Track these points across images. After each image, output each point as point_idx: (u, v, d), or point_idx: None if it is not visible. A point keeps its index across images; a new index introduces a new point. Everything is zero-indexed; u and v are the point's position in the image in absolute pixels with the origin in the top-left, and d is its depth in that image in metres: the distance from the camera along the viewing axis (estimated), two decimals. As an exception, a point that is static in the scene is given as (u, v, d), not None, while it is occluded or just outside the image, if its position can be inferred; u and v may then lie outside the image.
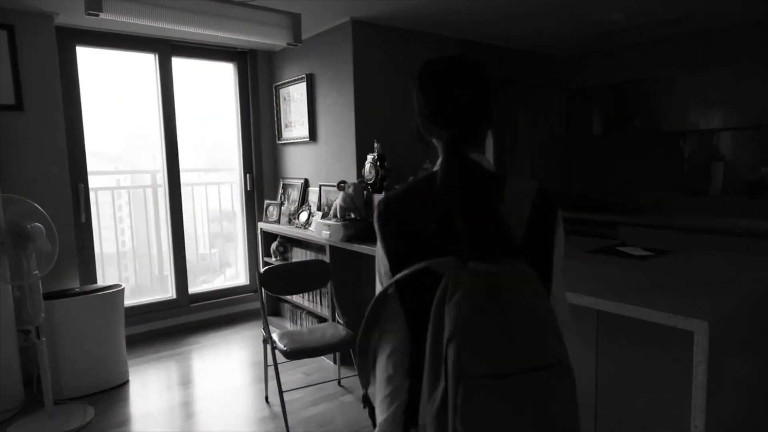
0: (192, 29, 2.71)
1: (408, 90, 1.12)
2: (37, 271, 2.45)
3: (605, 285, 1.73)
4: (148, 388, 2.96)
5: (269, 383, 2.85)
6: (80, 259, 3.43)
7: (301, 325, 3.61)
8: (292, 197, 3.96)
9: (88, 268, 3.49)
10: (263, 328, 2.61)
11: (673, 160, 3.90)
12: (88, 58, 3.50)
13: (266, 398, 2.77)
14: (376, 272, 1.06)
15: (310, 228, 3.43)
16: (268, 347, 2.55)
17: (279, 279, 2.72)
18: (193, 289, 4.01)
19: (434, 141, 1.05)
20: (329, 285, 2.88)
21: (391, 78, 3.38)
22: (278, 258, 3.84)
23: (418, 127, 1.06)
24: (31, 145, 2.94)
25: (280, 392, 2.46)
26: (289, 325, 3.78)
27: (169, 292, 3.92)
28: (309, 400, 2.75)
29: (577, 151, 4.52)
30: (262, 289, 2.66)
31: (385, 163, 2.99)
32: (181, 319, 3.89)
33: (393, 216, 0.98)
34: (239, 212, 4.28)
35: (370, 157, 3.04)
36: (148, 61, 3.73)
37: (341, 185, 3.06)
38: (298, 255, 3.68)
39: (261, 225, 4.01)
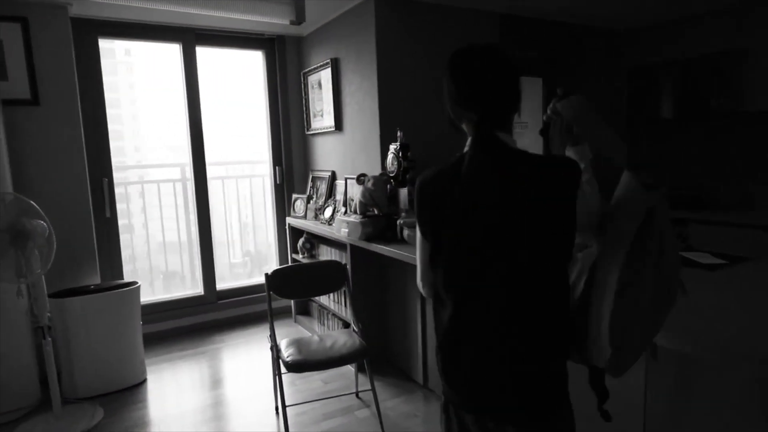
0: (186, 9, 2.54)
1: (439, 73, 1.18)
2: (39, 270, 2.38)
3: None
4: (163, 390, 2.85)
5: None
6: (105, 255, 3.39)
7: (329, 327, 3.40)
8: (320, 191, 3.74)
9: (113, 263, 3.45)
10: (269, 336, 2.40)
11: (757, 146, 3.31)
12: (125, 51, 3.44)
13: (276, 409, 2.57)
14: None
15: (334, 224, 3.20)
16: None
17: (289, 281, 2.50)
18: (222, 285, 3.91)
19: (464, 126, 1.14)
20: (346, 289, 2.62)
21: (420, 60, 3.06)
22: (305, 255, 3.64)
23: (450, 114, 1.15)
24: (47, 140, 2.89)
25: (284, 406, 2.25)
26: (317, 327, 3.58)
27: (199, 288, 3.84)
28: (322, 413, 2.52)
29: (640, 137, 3.98)
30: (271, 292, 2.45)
31: (408, 154, 2.68)
32: (209, 316, 3.79)
33: (426, 194, 1.14)
34: (269, 206, 4.12)
35: (392, 148, 2.75)
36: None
37: (361, 179, 2.80)
38: (325, 253, 3.46)
39: (288, 220, 3.83)
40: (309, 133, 3.87)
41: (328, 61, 3.38)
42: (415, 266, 1.27)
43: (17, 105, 2.79)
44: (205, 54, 3.72)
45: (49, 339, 2.44)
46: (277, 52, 3.88)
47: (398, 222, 2.46)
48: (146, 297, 3.71)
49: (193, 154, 3.67)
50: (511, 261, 1.04)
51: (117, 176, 3.50)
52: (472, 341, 1.09)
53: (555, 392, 1.08)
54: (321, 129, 3.65)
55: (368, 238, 2.66)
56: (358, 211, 2.78)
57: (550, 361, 1.07)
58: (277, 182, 4.04)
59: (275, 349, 2.32)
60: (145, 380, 2.97)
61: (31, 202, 2.24)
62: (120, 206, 3.60)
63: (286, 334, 3.58)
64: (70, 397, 2.74)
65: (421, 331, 2.70)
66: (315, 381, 2.87)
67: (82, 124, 3.05)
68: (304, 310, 3.91)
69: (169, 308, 3.65)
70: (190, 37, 3.57)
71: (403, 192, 2.70)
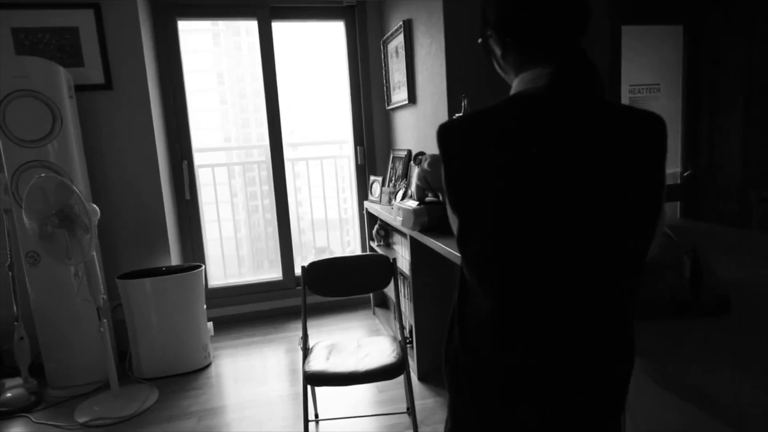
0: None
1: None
2: (87, 253, 2.40)
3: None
4: (221, 379, 2.78)
5: (319, 398, 2.40)
6: (186, 237, 3.45)
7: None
8: (398, 172, 3.36)
9: (193, 245, 3.49)
10: (301, 337, 2.13)
11: None
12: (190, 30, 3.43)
13: (315, 416, 2.31)
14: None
15: (393, 210, 2.81)
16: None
17: (325, 276, 2.20)
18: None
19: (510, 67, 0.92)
20: (393, 288, 2.24)
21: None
22: (380, 243, 3.32)
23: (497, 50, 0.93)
24: (120, 124, 2.95)
25: (307, 420, 1.96)
26: (392, 323, 3.27)
27: (278, 273, 3.76)
28: (359, 430, 2.20)
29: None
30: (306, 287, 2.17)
31: (472, 127, 2.17)
32: (287, 302, 3.69)
33: (457, 143, 0.85)
34: (354, 189, 3.87)
35: (455, 120, 2.26)
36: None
37: (418, 158, 2.36)
38: (398, 243, 3.09)
39: (366, 204, 3.53)
40: (389, 107, 3.50)
41: (401, 24, 2.95)
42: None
43: (91, 90, 2.87)
44: (283, 29, 3.55)
45: (104, 320, 2.48)
46: (357, 20, 3.56)
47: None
48: (226, 280, 3.74)
49: (270, 134, 3.54)
50: (595, 247, 0.78)
51: (203, 158, 3.52)
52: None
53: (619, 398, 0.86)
54: (398, 102, 3.26)
55: (423, 229, 2.24)
56: (414, 196, 2.37)
57: (616, 364, 0.85)
58: (359, 163, 3.76)
59: (304, 354, 2.05)
60: (208, 365, 2.94)
61: (74, 188, 2.24)
62: (206, 189, 3.65)
63: (362, 329, 3.33)
64: (136, 376, 2.81)
65: (486, 344, 2.21)
66: (369, 389, 2.55)
67: (157, 106, 3.08)
68: (382, 302, 3.62)
69: (247, 292, 3.63)
70: (264, 12, 3.41)
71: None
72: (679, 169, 3.26)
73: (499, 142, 0.80)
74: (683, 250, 1.12)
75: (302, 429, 1.99)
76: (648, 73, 2.98)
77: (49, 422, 2.41)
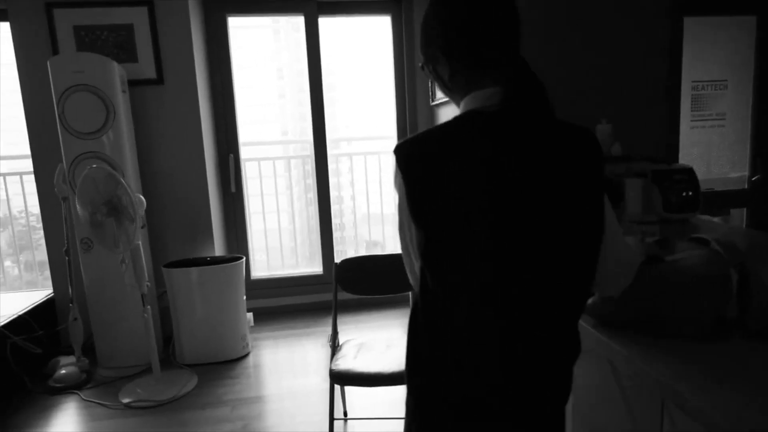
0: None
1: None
2: (139, 241, 2.50)
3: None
4: (256, 369, 2.84)
5: (350, 396, 2.39)
6: (231, 229, 3.54)
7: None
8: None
9: (237, 237, 3.58)
10: (330, 335, 2.12)
11: None
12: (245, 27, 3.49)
13: (344, 414, 2.31)
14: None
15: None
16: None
17: (360, 273, 2.18)
18: (342, 265, 3.79)
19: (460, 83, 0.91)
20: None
21: (536, 12, 2.37)
22: (420, 241, 3.27)
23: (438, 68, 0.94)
24: (170, 118, 3.06)
25: (331, 419, 1.96)
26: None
27: (318, 267, 3.79)
28: (387, 430, 2.18)
29: None
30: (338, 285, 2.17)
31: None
32: (328, 296, 3.71)
33: (418, 164, 0.84)
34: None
35: (495, 117, 2.17)
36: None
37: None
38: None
39: (407, 201, 3.49)
40: (433, 104, 3.43)
41: (446, 17, 2.88)
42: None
43: (144, 84, 2.99)
44: (330, 24, 3.56)
45: (148, 307, 2.58)
46: (404, 14, 3.51)
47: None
48: (269, 272, 3.81)
49: (315, 129, 3.56)
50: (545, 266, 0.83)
51: (252, 152, 3.60)
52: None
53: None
54: (441, 99, 3.19)
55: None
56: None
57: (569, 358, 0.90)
58: (402, 159, 3.72)
59: (332, 351, 2.05)
60: (246, 355, 3.01)
61: (121, 179, 2.34)
62: (253, 182, 3.73)
63: (400, 327, 3.30)
64: (178, 362, 2.91)
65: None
66: (404, 390, 2.52)
67: (206, 101, 3.16)
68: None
69: (288, 285, 3.68)
70: (312, 7, 3.43)
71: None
72: (746, 173, 3.00)
73: (463, 160, 0.82)
74: (730, 264, 1.02)
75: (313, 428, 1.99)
76: (714, 68, 2.76)
77: (95, 400, 2.54)
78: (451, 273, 0.84)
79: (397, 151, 0.87)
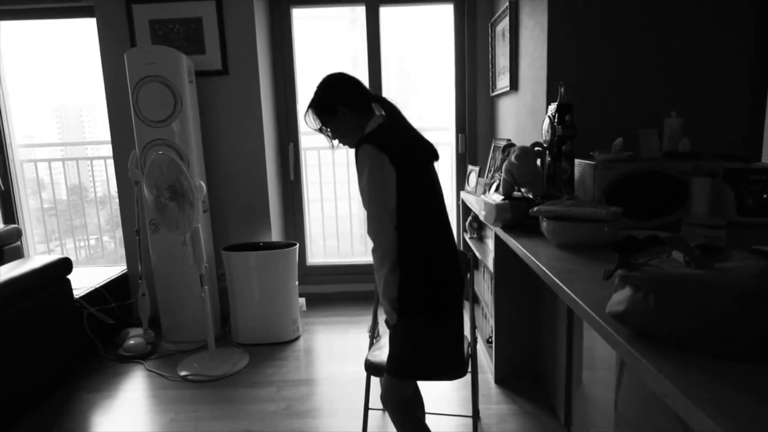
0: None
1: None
2: (199, 225, 2.64)
3: None
4: (304, 352, 2.92)
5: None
6: (289, 216, 3.65)
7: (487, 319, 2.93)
8: (497, 163, 3.19)
9: (294, 223, 3.68)
10: (370, 326, 2.14)
11: None
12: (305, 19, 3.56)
13: (365, 410, 2.31)
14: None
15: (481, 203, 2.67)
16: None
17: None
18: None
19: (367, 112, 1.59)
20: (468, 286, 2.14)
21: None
22: (473, 235, 3.20)
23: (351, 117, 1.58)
24: (233, 107, 3.19)
25: (366, 408, 1.98)
26: (480, 318, 3.15)
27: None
28: (426, 423, 2.16)
29: None
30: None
31: (567, 118, 1.96)
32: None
33: (395, 146, 1.47)
34: (453, 178, 3.77)
35: (550, 109, 2.06)
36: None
37: (506, 149, 2.21)
38: (491, 236, 2.95)
39: (462, 195, 3.42)
40: (493, 94, 3.32)
41: (507, 4, 2.77)
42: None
43: (210, 75, 3.13)
44: (391, 13, 3.53)
45: (206, 287, 2.72)
46: (467, 2, 3.41)
47: (531, 210, 1.83)
48: (325, 259, 3.89)
49: (372, 120, 3.57)
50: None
51: (311, 141, 3.68)
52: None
53: None
54: (502, 89, 3.08)
55: (505, 225, 2.10)
56: (501, 191, 2.22)
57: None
58: (459, 151, 3.65)
59: (371, 341, 2.06)
60: (297, 338, 3.10)
61: (182, 165, 2.47)
62: (312, 170, 3.81)
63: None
64: (233, 340, 3.06)
65: (566, 357, 2.03)
66: (442, 385, 2.49)
67: (268, 91, 3.26)
68: (475, 296, 3.50)
69: (342, 272, 3.74)
70: (373, -3, 3.42)
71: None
72: None
73: (412, 150, 1.53)
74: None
75: (345, 420, 2.01)
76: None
77: (157, 371, 2.73)
78: (427, 224, 1.52)
79: (378, 144, 1.43)
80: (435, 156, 1.59)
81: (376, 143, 1.42)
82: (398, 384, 1.57)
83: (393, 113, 1.55)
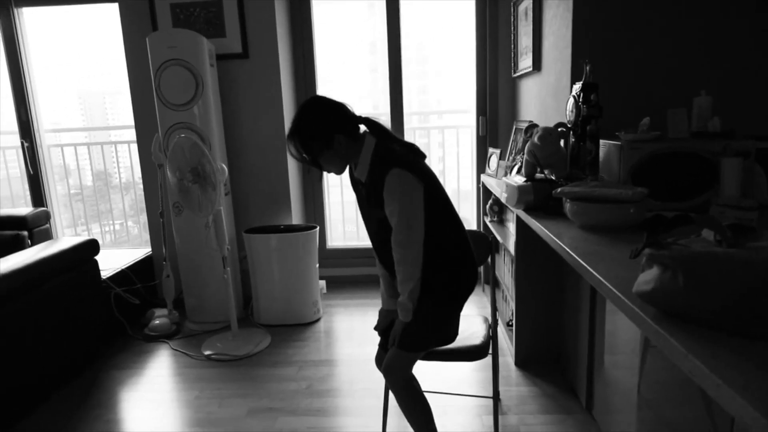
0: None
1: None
2: (221, 207, 2.67)
3: None
4: (325, 333, 2.96)
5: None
6: (309, 199, 3.67)
7: (509, 303, 2.92)
8: (518, 145, 3.15)
9: (314, 207, 3.70)
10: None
11: None
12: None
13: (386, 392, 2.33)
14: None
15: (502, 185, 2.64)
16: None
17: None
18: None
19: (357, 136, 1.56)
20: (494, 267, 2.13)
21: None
22: (494, 219, 3.18)
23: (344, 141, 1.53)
24: (253, 90, 3.19)
25: (386, 388, 2.00)
26: (501, 302, 3.14)
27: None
28: (441, 405, 2.17)
29: None
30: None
31: (592, 97, 1.92)
32: (399, 269, 3.75)
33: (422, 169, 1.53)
34: (474, 161, 3.74)
35: (575, 88, 2.02)
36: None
37: (529, 131, 2.18)
38: (511, 219, 2.93)
39: (482, 178, 3.39)
40: (515, 75, 3.27)
41: (531, -19, 2.70)
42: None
43: (231, 59, 3.14)
44: (411, -6, 3.48)
45: (228, 269, 2.76)
46: (489, -19, 3.34)
47: (554, 191, 1.80)
48: (345, 242, 3.91)
49: (392, 104, 3.55)
50: None
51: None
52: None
53: None
54: (524, 70, 3.02)
55: (528, 208, 2.07)
56: (523, 172, 2.20)
57: None
58: (480, 134, 3.61)
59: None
60: (317, 320, 3.14)
61: (204, 148, 2.49)
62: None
63: (468, 305, 3.25)
64: (255, 321, 3.11)
65: (589, 340, 2.02)
66: (463, 367, 2.50)
67: (288, 75, 3.26)
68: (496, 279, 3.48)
69: (362, 256, 3.76)
70: (393, -23, 3.37)
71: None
72: None
73: (422, 167, 1.55)
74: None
75: (362, 400, 2.03)
76: None
77: (181, 350, 2.80)
78: (446, 232, 1.59)
79: (411, 170, 1.46)
80: (425, 156, 1.61)
81: (403, 165, 1.44)
82: (405, 356, 1.60)
83: (382, 131, 1.54)
